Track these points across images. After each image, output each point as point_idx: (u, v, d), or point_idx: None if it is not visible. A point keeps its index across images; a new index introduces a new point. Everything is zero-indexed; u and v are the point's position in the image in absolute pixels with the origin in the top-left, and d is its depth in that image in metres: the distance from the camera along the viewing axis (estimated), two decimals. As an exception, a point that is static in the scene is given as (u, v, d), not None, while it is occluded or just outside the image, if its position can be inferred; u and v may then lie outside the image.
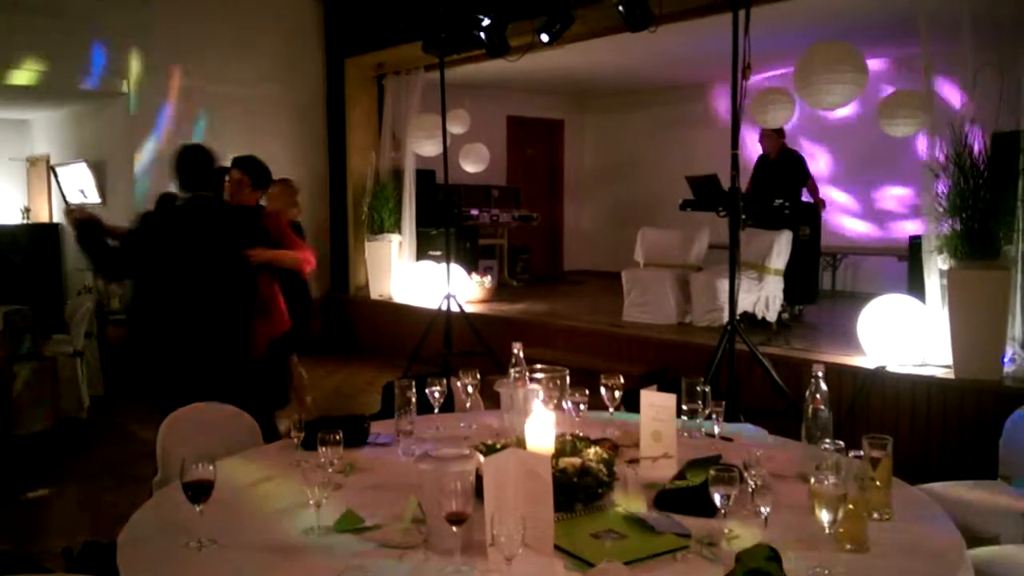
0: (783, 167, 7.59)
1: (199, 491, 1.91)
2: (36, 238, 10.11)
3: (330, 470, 2.15)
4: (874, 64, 7.46)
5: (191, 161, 3.82)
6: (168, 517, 2.06)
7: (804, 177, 7.66)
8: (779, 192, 7.25)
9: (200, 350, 3.72)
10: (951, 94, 5.88)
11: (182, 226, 3.77)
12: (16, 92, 8.53)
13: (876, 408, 5.14)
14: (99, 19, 8.20)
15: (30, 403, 5.91)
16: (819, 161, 9.66)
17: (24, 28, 7.79)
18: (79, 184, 9.43)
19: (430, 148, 8.69)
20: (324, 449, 2.19)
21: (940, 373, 5.03)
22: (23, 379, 5.89)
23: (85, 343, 6.68)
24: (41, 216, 10.65)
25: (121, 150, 8.75)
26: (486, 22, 6.63)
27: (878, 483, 1.97)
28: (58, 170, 9.86)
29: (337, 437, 2.20)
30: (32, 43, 7.87)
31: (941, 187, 4.93)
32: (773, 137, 7.61)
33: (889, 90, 6.56)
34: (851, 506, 1.79)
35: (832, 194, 9.46)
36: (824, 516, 1.74)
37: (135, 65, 8.46)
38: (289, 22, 9.49)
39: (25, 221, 10.71)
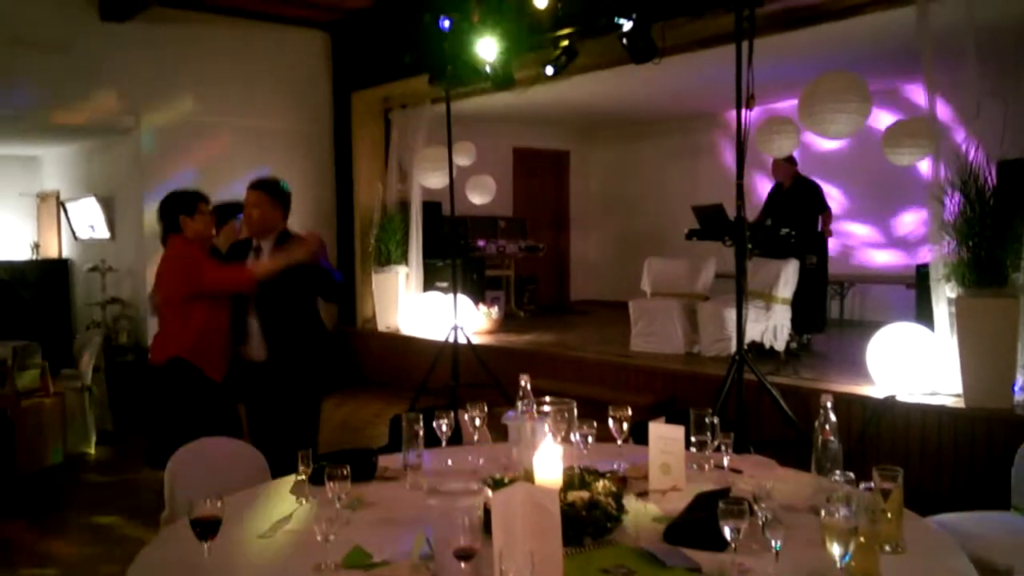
0: (798, 196, 7.57)
1: (207, 528, 1.90)
2: (45, 273, 10.17)
3: (338, 505, 2.14)
4: (879, 92, 7.51)
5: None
6: (176, 554, 2.05)
7: (821, 206, 7.61)
8: (795, 221, 7.22)
9: None
10: (955, 122, 5.91)
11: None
12: (26, 128, 8.65)
13: (886, 438, 5.10)
14: (110, 56, 8.31)
15: (38, 438, 5.91)
16: (825, 189, 9.66)
17: (35, 66, 7.90)
18: (88, 219, 9.51)
19: (436, 180, 8.75)
20: (332, 484, 2.18)
21: (950, 402, 5.00)
22: (31, 414, 5.89)
23: (93, 378, 6.69)
24: (50, 251, 10.71)
25: (130, 185, 8.83)
26: (492, 56, 6.69)
27: (889, 515, 1.96)
28: (67, 205, 9.95)
29: (345, 472, 2.20)
30: (43, 80, 7.98)
31: (947, 215, 4.94)
32: (785, 166, 7.59)
33: (894, 119, 6.59)
34: (862, 539, 1.77)
35: (839, 222, 9.47)
36: (835, 550, 1.72)
37: (143, 100, 8.55)
38: (297, 57, 9.61)
39: (34, 256, 10.78)
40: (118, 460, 6.32)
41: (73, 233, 10.00)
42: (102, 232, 9.31)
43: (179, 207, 4.15)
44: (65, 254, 10.46)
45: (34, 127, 8.62)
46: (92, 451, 6.45)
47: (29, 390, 6.04)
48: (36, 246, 10.88)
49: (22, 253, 10.75)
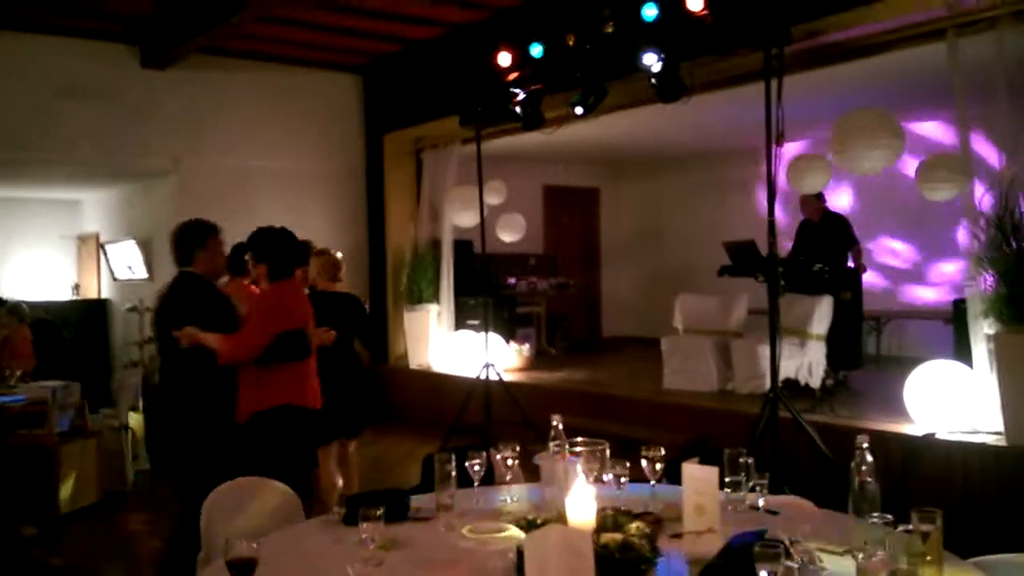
0: (827, 231, 7.52)
1: (242, 570, 1.92)
2: (85, 313, 10.39)
3: (371, 547, 2.15)
4: (912, 127, 7.49)
5: (177, 239, 4.17)
6: (211, 595, 2.06)
7: (850, 241, 7.56)
8: (825, 256, 7.17)
9: (171, 421, 4.03)
10: (990, 156, 5.86)
11: (160, 304, 4.15)
12: (68, 173, 8.90)
13: (926, 477, 5.00)
14: (149, 102, 8.54)
15: (76, 477, 5.98)
16: (862, 222, 9.58)
17: (79, 113, 8.14)
18: (127, 261, 9.71)
19: (467, 219, 8.82)
20: (365, 524, 2.19)
21: (991, 440, 4.89)
22: (71, 454, 5.98)
23: (131, 417, 6.78)
24: (90, 292, 10.94)
25: (168, 227, 8.92)
26: (521, 96, 6.78)
27: (929, 558, 1.92)
28: (107, 247, 10.17)
29: (378, 513, 2.20)
30: (86, 127, 8.21)
31: (984, 250, 4.88)
32: (813, 202, 7.56)
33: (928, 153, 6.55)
34: (902, 583, 1.74)
35: (875, 256, 9.38)
36: (874, 594, 1.70)
37: (182, 145, 8.76)
38: (330, 100, 9.80)
39: (75, 297, 11.01)
40: (154, 499, 6.37)
41: (112, 274, 10.21)
42: (140, 273, 9.49)
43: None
44: (104, 294, 10.68)
45: (76, 172, 8.86)
46: (129, 489, 6.51)
47: (68, 431, 6.14)
48: (76, 287, 11.13)
49: (63, 294, 10.98)
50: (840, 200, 9.51)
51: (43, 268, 11.01)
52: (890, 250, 9.77)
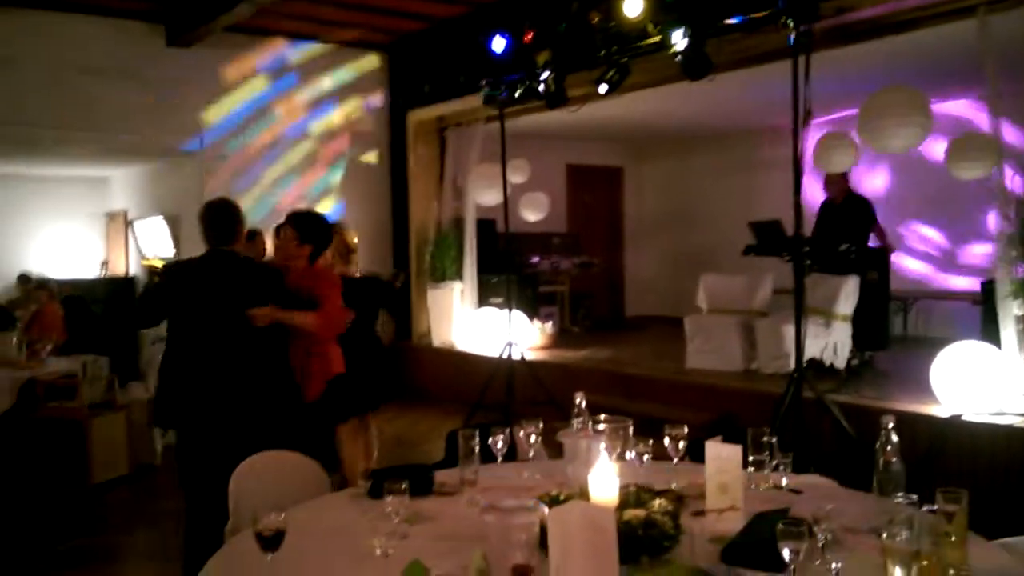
0: (849, 211, 7.45)
1: (271, 540, 1.95)
2: (114, 290, 10.52)
3: (396, 520, 2.18)
4: (940, 106, 7.38)
5: (214, 217, 4.02)
6: (239, 566, 2.10)
7: (871, 221, 7.48)
8: (846, 237, 7.11)
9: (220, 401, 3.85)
10: (1020, 136, 5.77)
11: (197, 280, 3.95)
12: (96, 151, 8.99)
13: (952, 458, 4.96)
14: (175, 80, 8.59)
15: (106, 450, 6.09)
16: (890, 201, 9.49)
17: (105, 91, 8.21)
18: (155, 238, 9.81)
19: (491, 197, 8.83)
20: (390, 498, 2.22)
21: (1018, 422, 4.85)
22: (100, 427, 6.08)
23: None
24: (118, 269, 11.07)
25: (194, 204, 9.02)
26: (545, 74, 6.74)
27: (953, 538, 1.92)
28: (135, 224, 10.28)
29: (403, 487, 2.23)
30: (112, 104, 8.28)
31: (1014, 231, 4.81)
32: (838, 181, 7.48)
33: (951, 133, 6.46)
34: (925, 563, 1.74)
35: (903, 236, 9.28)
36: (897, 573, 1.70)
37: (207, 122, 8.81)
38: (354, 78, 9.80)
39: (103, 274, 11.15)
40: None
41: (140, 251, 10.32)
42: (168, 250, 9.59)
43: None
44: (132, 271, 10.80)
45: (104, 149, 8.94)
46: (159, 462, 6.62)
47: (98, 403, 6.25)
48: (105, 264, 11.26)
49: (92, 271, 11.13)
50: (872, 182, 9.41)
51: (72, 245, 11.16)
52: (919, 231, 9.65)
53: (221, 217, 4.03)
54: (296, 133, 9.37)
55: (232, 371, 3.87)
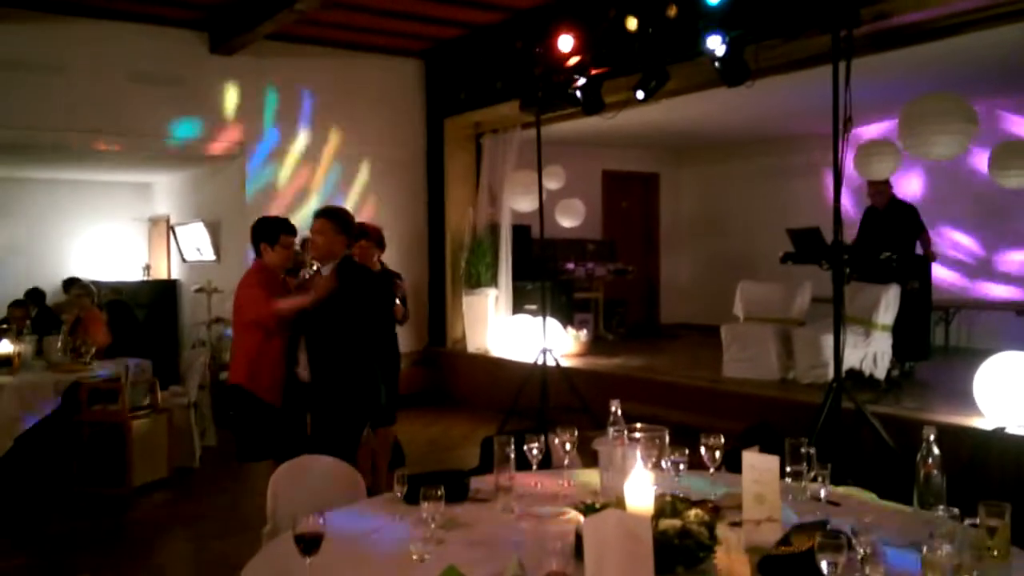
0: (894, 218, 7.32)
1: (310, 544, 1.98)
2: (156, 294, 10.71)
3: (432, 525, 2.19)
4: (985, 113, 7.25)
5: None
6: (279, 569, 2.13)
7: (918, 229, 7.34)
8: (891, 244, 6.99)
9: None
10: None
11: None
12: (141, 156, 9.17)
13: (994, 472, 4.86)
14: (217, 88, 8.75)
15: (147, 453, 6.20)
16: (930, 211, 9.34)
17: (150, 98, 8.38)
18: (196, 243, 9.97)
19: (526, 204, 8.85)
20: (426, 504, 2.23)
21: (1064, 435, 4.74)
22: (142, 430, 6.19)
23: (198, 394, 6.99)
24: (160, 273, 11.27)
25: (234, 210, 9.22)
26: (582, 81, 6.75)
27: (995, 553, 1.88)
28: (177, 229, 10.46)
29: (439, 493, 2.25)
30: (157, 111, 8.46)
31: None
32: (881, 188, 7.38)
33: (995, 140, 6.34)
34: (967, 578, 1.72)
35: (945, 246, 9.13)
36: (939, 588, 1.67)
37: (249, 130, 8.95)
38: (392, 85, 9.89)
39: (146, 278, 11.36)
40: (221, 475, 6.57)
41: (182, 255, 10.50)
42: (208, 255, 9.74)
43: (263, 234, 4.55)
44: (174, 275, 10.99)
45: (148, 156, 9.12)
46: (197, 465, 6.72)
47: (139, 406, 6.36)
48: (147, 268, 11.47)
49: (135, 274, 11.34)
50: (909, 188, 9.27)
51: (116, 249, 11.39)
52: (960, 240, 9.49)
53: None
54: (334, 139, 9.47)
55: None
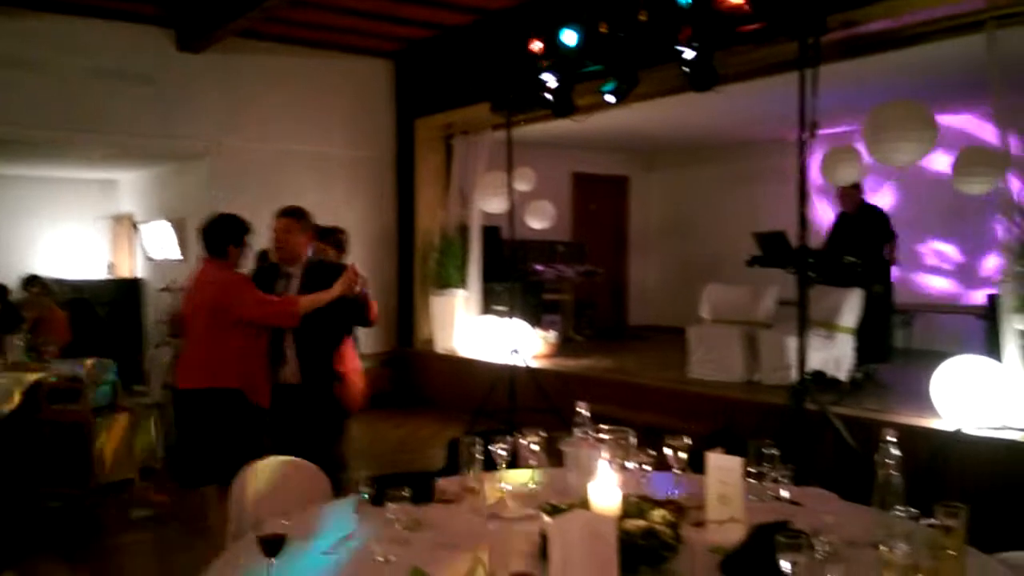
0: (864, 223, 7.44)
1: (273, 546, 1.96)
2: (119, 292, 10.56)
3: (398, 527, 2.19)
4: (947, 120, 7.39)
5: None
6: (242, 571, 2.11)
7: (888, 233, 7.47)
8: (862, 248, 7.10)
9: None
10: (1025, 150, 5.78)
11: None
12: (105, 153, 9.04)
13: (953, 472, 4.96)
14: (184, 85, 8.65)
15: (108, 453, 6.11)
16: (895, 216, 9.48)
17: (115, 94, 8.26)
18: (160, 241, 9.85)
19: (496, 205, 8.85)
20: (392, 505, 2.23)
21: (1019, 436, 4.84)
22: (104, 430, 6.10)
23: (162, 394, 6.90)
24: (124, 271, 11.12)
25: (200, 209, 9.07)
26: (553, 84, 6.77)
27: (952, 553, 1.92)
28: (141, 227, 10.33)
29: (405, 494, 2.24)
30: (121, 108, 8.34)
31: (1019, 245, 4.82)
32: (851, 193, 7.49)
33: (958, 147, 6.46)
34: (923, 576, 1.75)
35: (907, 250, 9.27)
36: (896, 586, 1.70)
37: (215, 127, 8.86)
38: (362, 85, 9.85)
39: (109, 276, 11.19)
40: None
41: (146, 254, 10.37)
42: (173, 253, 9.63)
43: (231, 235, 4.24)
44: (139, 274, 10.85)
45: (112, 153, 9.00)
46: (160, 465, 6.63)
47: (102, 405, 6.27)
48: (111, 266, 11.31)
49: (98, 272, 11.18)
50: (878, 196, 9.40)
51: (78, 247, 11.21)
52: (924, 245, 9.65)
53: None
54: (304, 138, 9.40)
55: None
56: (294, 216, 4.30)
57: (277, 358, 4.20)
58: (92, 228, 11.38)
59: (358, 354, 5.03)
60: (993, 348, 5.62)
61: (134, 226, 10.68)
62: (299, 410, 4.22)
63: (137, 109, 8.41)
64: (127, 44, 8.33)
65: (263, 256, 5.12)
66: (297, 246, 4.25)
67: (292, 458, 3.05)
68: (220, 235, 4.23)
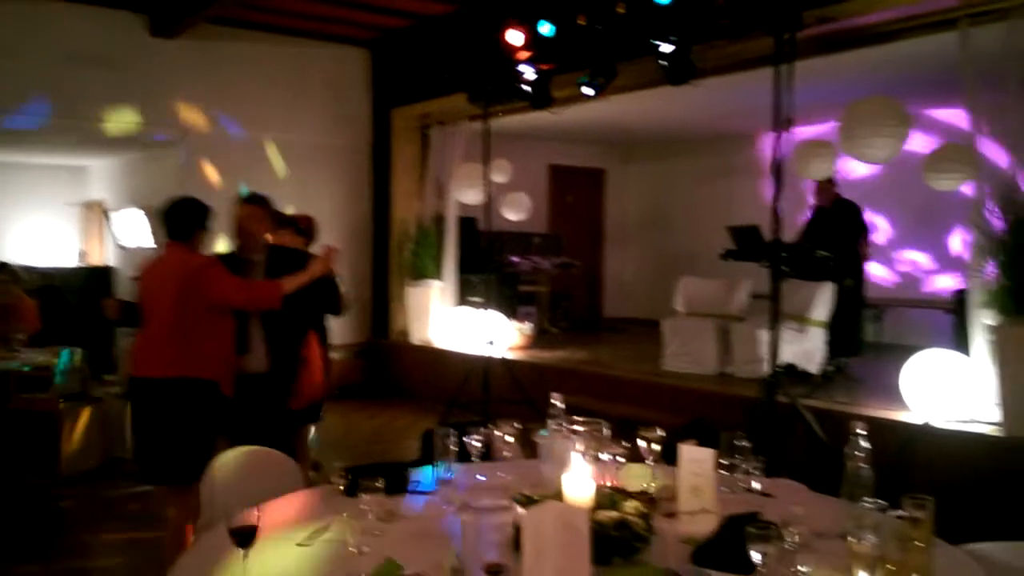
0: (839, 217, 7.53)
1: (245, 537, 1.95)
2: (90, 280, 10.42)
3: (371, 518, 2.18)
4: (921, 117, 7.47)
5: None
6: (213, 562, 2.09)
7: (861, 227, 7.56)
8: (837, 242, 7.17)
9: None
10: (997, 148, 5.85)
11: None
12: (75, 140, 8.90)
13: (921, 465, 5.03)
14: (157, 71, 8.53)
15: (79, 442, 6.04)
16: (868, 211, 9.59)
17: (87, 80, 8.13)
18: (132, 229, 9.73)
19: (473, 196, 8.84)
20: (366, 496, 2.22)
21: (987, 430, 4.93)
22: (73, 419, 6.03)
23: (133, 384, 6.82)
24: (95, 259, 10.97)
25: (172, 196, 9.00)
26: (530, 75, 6.76)
27: (919, 544, 1.95)
28: (112, 215, 10.19)
29: (379, 485, 2.24)
30: (93, 93, 8.21)
31: (988, 241, 4.89)
32: (826, 188, 7.56)
33: (931, 144, 6.54)
34: (891, 568, 1.77)
35: (879, 245, 9.37)
36: (863, 577, 1.73)
37: (188, 114, 8.75)
38: (338, 74, 9.77)
39: (80, 264, 11.04)
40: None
41: (117, 242, 10.24)
42: (145, 241, 9.51)
43: (199, 220, 4.02)
44: (110, 262, 10.71)
45: (83, 139, 8.86)
46: (129, 456, 6.56)
47: (71, 395, 6.19)
48: (83, 253, 11.16)
49: (68, 260, 11.02)
50: (849, 188, 9.49)
51: (49, 234, 11.05)
52: (895, 240, 9.76)
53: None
54: (277, 127, 9.32)
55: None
56: (259, 203, 4.21)
57: (242, 346, 4.05)
58: (62, 215, 11.22)
59: (326, 346, 4.99)
60: (961, 342, 5.71)
61: (105, 213, 10.54)
62: (264, 401, 4.11)
63: (109, 95, 8.28)
64: (99, 29, 8.20)
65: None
66: (260, 234, 4.17)
67: (265, 448, 3.03)
68: (186, 218, 4.02)
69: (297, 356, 4.26)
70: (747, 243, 7.03)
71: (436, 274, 9.46)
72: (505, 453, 2.88)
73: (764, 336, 6.09)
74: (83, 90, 8.13)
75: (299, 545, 2.22)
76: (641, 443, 2.70)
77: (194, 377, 3.84)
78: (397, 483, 2.65)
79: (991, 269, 4.86)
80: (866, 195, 9.51)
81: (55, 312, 8.03)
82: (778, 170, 5.13)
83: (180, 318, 3.85)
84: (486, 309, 7.72)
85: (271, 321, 4.08)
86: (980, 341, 5.10)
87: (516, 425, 2.88)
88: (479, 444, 2.77)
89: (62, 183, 11.19)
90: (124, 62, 8.32)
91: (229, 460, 2.91)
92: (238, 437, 3.71)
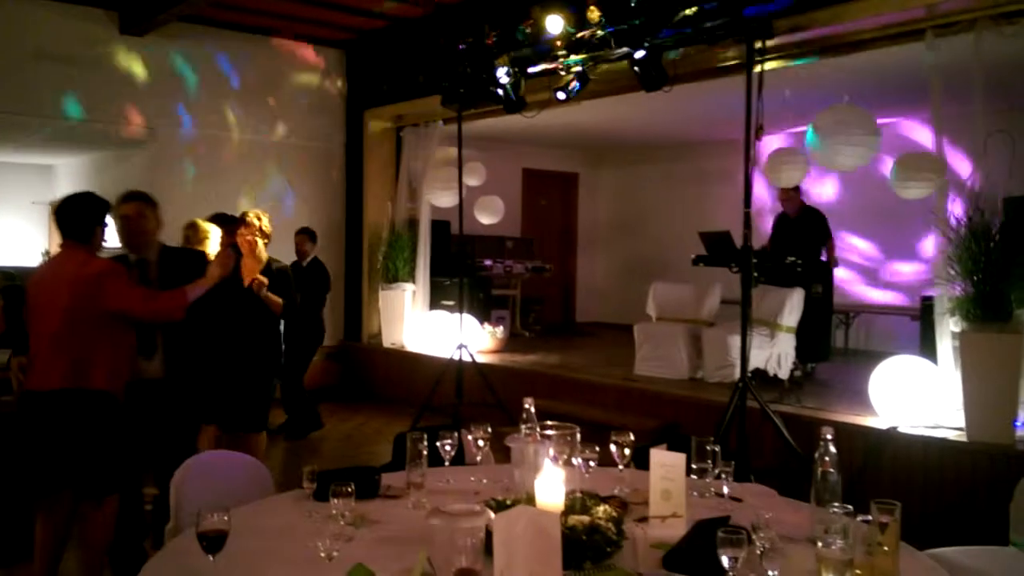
0: (804, 225, 7.62)
1: (214, 541, 1.93)
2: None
3: (341, 522, 2.17)
4: (890, 126, 7.58)
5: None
6: (182, 567, 2.07)
7: (826, 235, 7.66)
8: (800, 249, 7.26)
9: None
10: (962, 157, 5.95)
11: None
12: (42, 137, 8.76)
13: (887, 469, 5.10)
14: (127, 69, 8.43)
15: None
16: (834, 219, 9.70)
17: (54, 77, 8.01)
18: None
19: (446, 199, 8.82)
20: (336, 501, 2.21)
21: (952, 435, 5.00)
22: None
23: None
24: (61, 259, 10.80)
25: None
26: (504, 79, 6.77)
27: (886, 548, 1.97)
28: (80, 214, 10.04)
29: (349, 489, 2.22)
30: (60, 91, 8.09)
31: (953, 249, 4.96)
32: (792, 195, 7.65)
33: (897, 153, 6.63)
34: (858, 571, 1.79)
35: (845, 252, 9.49)
36: (831, 581, 1.74)
37: (158, 113, 8.65)
38: (311, 74, 9.71)
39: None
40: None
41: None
42: (112, 242, 9.37)
43: (99, 217, 3.77)
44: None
45: (50, 137, 8.72)
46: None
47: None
48: (47, 254, 10.97)
49: (34, 260, 10.83)
50: (817, 196, 9.61)
51: (13, 233, 10.86)
52: (862, 247, 9.89)
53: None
54: (249, 127, 9.24)
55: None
56: (144, 200, 4.05)
57: (148, 351, 3.93)
58: (28, 214, 11.03)
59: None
60: (927, 349, 5.80)
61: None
62: (161, 408, 4.00)
63: (76, 92, 8.16)
64: (68, 26, 8.08)
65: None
66: (150, 232, 4.04)
67: (234, 452, 3.01)
68: (86, 215, 3.72)
69: (197, 362, 4.13)
70: (718, 249, 7.08)
71: (409, 277, 9.43)
72: (477, 457, 2.87)
73: (734, 341, 6.14)
74: (50, 87, 8.01)
75: (267, 550, 2.20)
76: (613, 447, 2.71)
77: (88, 388, 3.59)
78: (368, 487, 2.63)
79: (956, 277, 4.92)
80: (834, 201, 9.64)
81: (19, 312, 7.88)
82: (748, 177, 5.18)
83: (70, 327, 3.59)
84: (458, 313, 7.70)
85: (174, 327, 3.94)
86: (946, 347, 5.18)
87: (488, 429, 2.88)
88: (451, 448, 2.77)
89: (28, 181, 11.01)
90: (93, 59, 8.21)
91: (194, 465, 2.87)
92: (138, 445, 3.71)
